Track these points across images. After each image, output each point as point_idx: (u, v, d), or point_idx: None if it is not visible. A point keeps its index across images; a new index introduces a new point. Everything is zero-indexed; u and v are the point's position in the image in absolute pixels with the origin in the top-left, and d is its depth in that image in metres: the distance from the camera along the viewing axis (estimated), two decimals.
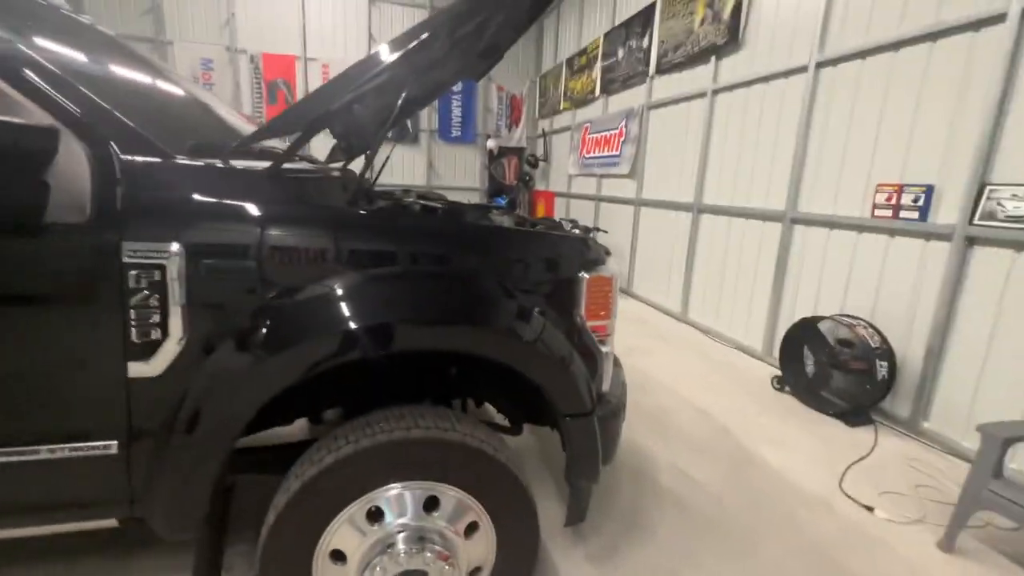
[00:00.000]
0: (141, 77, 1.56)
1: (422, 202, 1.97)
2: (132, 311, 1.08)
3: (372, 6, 9.59)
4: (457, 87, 10.16)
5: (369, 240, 1.25)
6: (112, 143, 1.08)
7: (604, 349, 1.52)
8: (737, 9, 4.42)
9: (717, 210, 4.81)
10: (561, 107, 8.97)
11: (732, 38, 4.51)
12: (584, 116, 8.02)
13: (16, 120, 0.93)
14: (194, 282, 1.10)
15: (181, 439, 1.14)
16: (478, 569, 1.39)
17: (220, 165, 1.23)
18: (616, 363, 1.74)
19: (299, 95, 9.40)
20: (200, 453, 1.15)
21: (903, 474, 2.57)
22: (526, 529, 1.39)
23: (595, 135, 7.49)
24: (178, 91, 1.74)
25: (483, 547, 1.36)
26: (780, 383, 3.59)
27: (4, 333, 1.04)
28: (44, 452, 1.10)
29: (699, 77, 5.08)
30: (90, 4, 7.97)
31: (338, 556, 1.25)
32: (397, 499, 1.26)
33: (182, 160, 1.16)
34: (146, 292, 1.08)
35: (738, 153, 4.54)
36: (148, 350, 1.11)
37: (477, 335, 1.28)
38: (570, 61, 8.49)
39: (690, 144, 5.23)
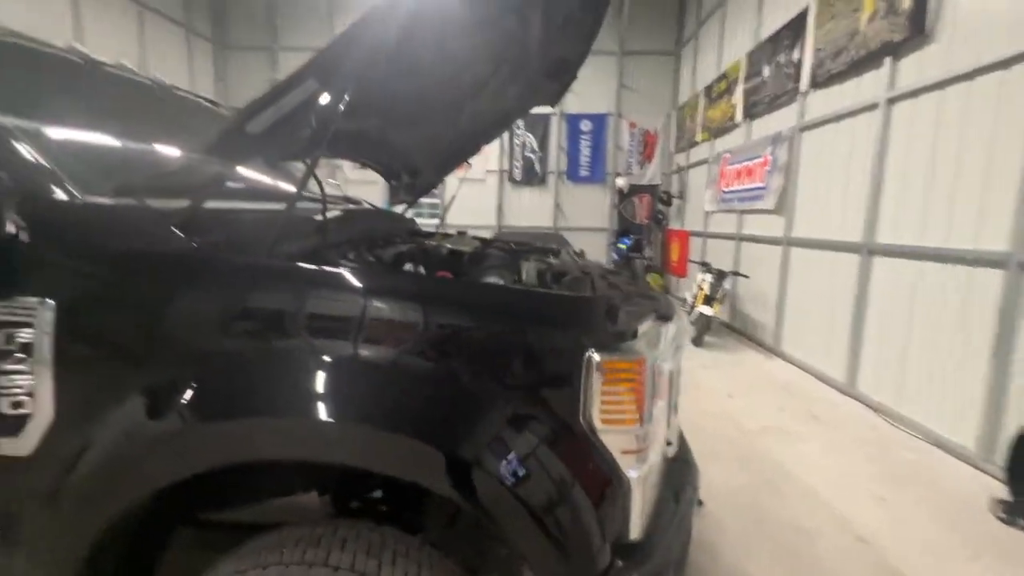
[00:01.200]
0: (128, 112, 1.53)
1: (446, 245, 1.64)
2: None
3: None
4: (587, 126, 9.99)
5: (266, 299, 0.93)
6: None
7: (632, 474, 0.97)
8: None
9: (898, 251, 3.63)
10: (698, 138, 8.14)
11: (915, 31, 3.46)
12: (723, 145, 7.11)
13: None
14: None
15: None
16: None
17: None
18: (677, 495, 1.14)
19: None
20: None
21: None
22: None
23: (735, 166, 6.54)
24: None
25: None
26: (1010, 511, 2.37)
27: None
28: None
29: (868, 86, 4.02)
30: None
31: None
32: None
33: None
34: None
35: (928, 175, 3.39)
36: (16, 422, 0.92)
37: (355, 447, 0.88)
38: (708, 89, 7.69)
39: (856, 169, 4.13)
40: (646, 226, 9.75)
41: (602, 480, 0.93)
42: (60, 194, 0.99)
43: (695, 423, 3.37)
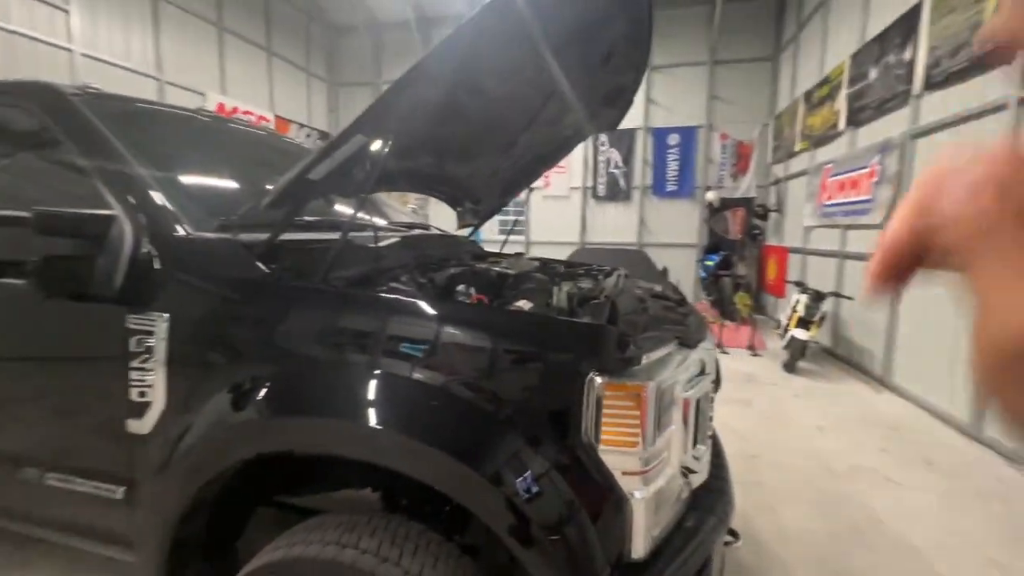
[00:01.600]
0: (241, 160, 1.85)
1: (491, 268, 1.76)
2: None
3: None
4: (674, 140, 9.72)
5: (316, 318, 1.12)
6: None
7: (637, 495, 1.00)
8: None
9: None
10: (797, 148, 7.56)
11: None
12: (825, 156, 6.55)
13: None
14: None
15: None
16: None
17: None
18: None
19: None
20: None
21: None
22: None
23: (838, 177, 5.99)
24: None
25: None
26: None
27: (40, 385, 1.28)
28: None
29: (994, 85, 3.53)
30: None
31: None
32: None
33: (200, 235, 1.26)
34: None
35: None
36: (140, 408, 1.20)
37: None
38: (808, 95, 7.15)
39: None
40: (739, 242, 9.18)
41: (601, 499, 0.98)
42: (180, 231, 1.27)
43: (774, 460, 3.15)
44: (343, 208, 1.96)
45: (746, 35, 9.17)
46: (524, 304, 1.32)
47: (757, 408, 4.09)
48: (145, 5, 7.06)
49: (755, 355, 5.83)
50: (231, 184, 1.74)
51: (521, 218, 10.78)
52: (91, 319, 1.24)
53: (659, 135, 9.82)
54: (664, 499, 1.08)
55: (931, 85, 4.22)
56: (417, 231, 2.08)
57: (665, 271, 7.38)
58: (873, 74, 5.23)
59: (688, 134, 9.66)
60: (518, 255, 2.40)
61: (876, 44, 5.17)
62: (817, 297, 5.27)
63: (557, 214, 10.55)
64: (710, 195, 9.54)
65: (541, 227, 10.70)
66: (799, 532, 2.40)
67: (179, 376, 1.17)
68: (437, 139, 1.68)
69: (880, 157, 4.94)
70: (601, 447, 0.99)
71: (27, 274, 1.15)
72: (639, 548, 1.01)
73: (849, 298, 5.31)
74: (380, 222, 2.01)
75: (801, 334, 5.11)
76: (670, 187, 9.90)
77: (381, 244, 1.53)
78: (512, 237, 10.82)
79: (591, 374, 0.98)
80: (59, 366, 1.35)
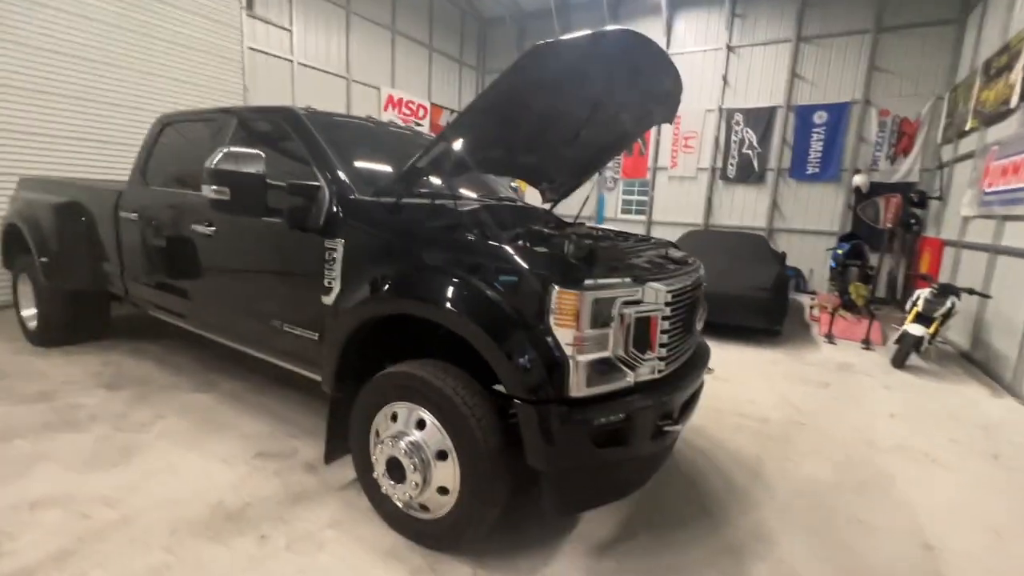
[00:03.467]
0: (394, 151, 2.84)
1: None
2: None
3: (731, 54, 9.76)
4: (821, 118, 9.02)
5: (414, 246, 2.01)
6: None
7: (583, 358, 1.69)
8: None
9: None
10: (968, 127, 6.61)
11: None
12: (995, 136, 5.73)
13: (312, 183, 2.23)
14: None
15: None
16: (445, 490, 1.87)
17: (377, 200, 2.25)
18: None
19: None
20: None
21: None
22: (484, 472, 1.78)
23: (1003, 160, 5.28)
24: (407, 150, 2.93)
25: (450, 473, 1.84)
26: None
27: (277, 276, 2.38)
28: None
29: None
30: None
31: (376, 433, 2.04)
32: (401, 412, 1.94)
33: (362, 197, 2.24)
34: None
35: None
36: (329, 290, 2.22)
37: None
38: (987, 64, 6.20)
39: None
40: (889, 232, 8.27)
41: (553, 358, 1.70)
42: (350, 194, 2.26)
43: (818, 428, 3.37)
44: (459, 187, 2.88)
45: None
46: (543, 248, 2.04)
47: (832, 391, 4.16)
48: (341, 19, 8.90)
49: (867, 349, 5.57)
50: (383, 167, 2.75)
51: (644, 199, 10.99)
52: (307, 242, 2.29)
53: (803, 113, 9.16)
54: (598, 370, 1.75)
55: None
56: (498, 201, 2.93)
57: (783, 256, 7.12)
58: None
59: (838, 111, 8.85)
60: (580, 223, 3.08)
61: None
62: (942, 292, 4.87)
63: (683, 194, 10.53)
64: (858, 179, 8.71)
65: (665, 207, 10.78)
66: (802, 478, 2.75)
67: (347, 273, 2.17)
68: (503, 138, 2.45)
69: None
70: (554, 326, 1.70)
71: (283, 215, 2.23)
72: (574, 390, 1.71)
73: (986, 296, 4.80)
74: (471, 194, 2.90)
75: (916, 329, 4.82)
76: (811, 170, 9.22)
77: (463, 208, 2.38)
78: (635, 216, 11.12)
79: (552, 284, 1.70)
80: (292, 266, 2.46)
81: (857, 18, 8.57)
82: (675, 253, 2.56)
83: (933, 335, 4.92)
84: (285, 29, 7.99)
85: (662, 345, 1.92)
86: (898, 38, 8.40)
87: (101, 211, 3.56)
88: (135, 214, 3.24)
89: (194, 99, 6.33)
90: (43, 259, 3.62)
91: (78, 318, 4.00)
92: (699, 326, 2.45)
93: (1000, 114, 5.62)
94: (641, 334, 1.85)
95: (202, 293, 2.96)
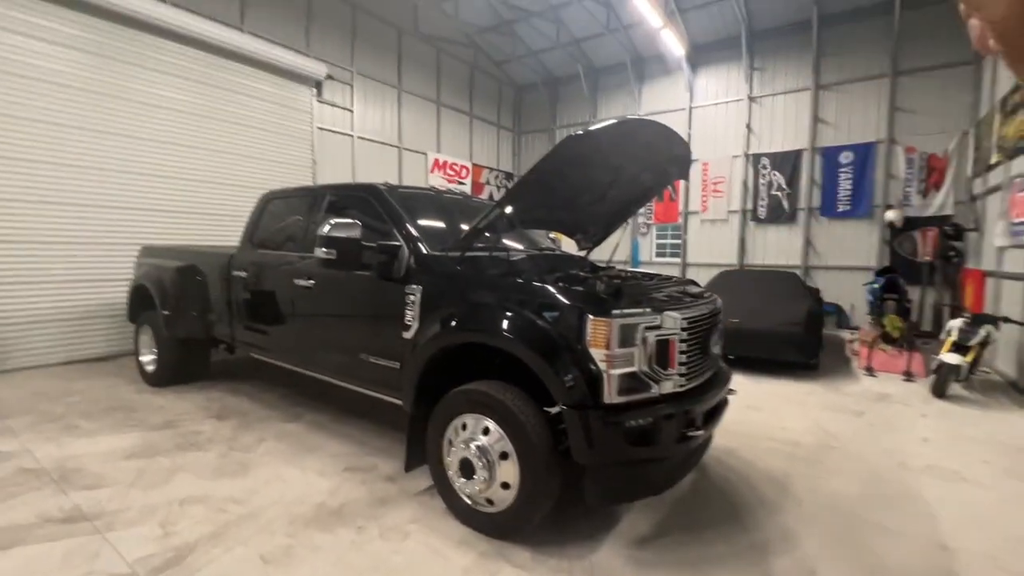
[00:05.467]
0: (450, 212, 3.47)
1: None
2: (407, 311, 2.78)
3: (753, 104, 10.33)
4: (847, 158, 9.32)
5: (465, 286, 2.55)
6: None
7: (614, 372, 2.14)
8: None
9: None
10: (993, 160, 6.78)
11: None
12: (1018, 168, 5.90)
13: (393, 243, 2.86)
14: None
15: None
16: (507, 485, 2.30)
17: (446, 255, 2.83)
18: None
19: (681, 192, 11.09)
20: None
21: None
22: (539, 469, 2.21)
23: None
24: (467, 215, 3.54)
25: (511, 470, 2.28)
26: None
27: (366, 318, 2.97)
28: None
29: None
30: None
31: (448, 440, 2.51)
32: (470, 422, 2.41)
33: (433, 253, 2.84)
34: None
35: None
36: (408, 327, 2.77)
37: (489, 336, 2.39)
38: (1003, 101, 6.46)
39: None
40: (926, 264, 8.28)
41: (591, 372, 2.15)
42: (423, 250, 2.86)
43: (849, 452, 3.56)
44: (506, 240, 3.46)
45: (937, 40, 8.40)
46: (579, 288, 2.54)
47: (867, 419, 4.31)
48: (393, 97, 10.12)
49: (909, 380, 5.61)
50: (446, 227, 3.38)
51: (678, 242, 11.38)
52: (391, 289, 2.88)
53: (829, 154, 9.49)
54: (627, 382, 2.18)
55: None
56: (540, 251, 3.49)
57: (816, 291, 7.30)
58: None
59: (864, 150, 9.14)
60: (611, 266, 3.58)
61: None
62: (974, 321, 4.97)
63: (715, 236, 10.85)
64: (890, 214, 8.84)
65: (699, 249, 11.10)
66: (830, 492, 2.98)
67: (423, 313, 2.72)
68: (543, 202, 3.03)
69: None
70: (590, 348, 2.17)
71: (372, 269, 2.85)
72: (608, 397, 2.15)
73: (1020, 323, 4.87)
74: (519, 247, 3.47)
75: (952, 358, 4.91)
76: (842, 207, 9.42)
77: (513, 258, 2.94)
78: (670, 259, 11.48)
79: (587, 314, 2.18)
80: (378, 309, 3.04)
81: (873, 64, 9.01)
82: (693, 289, 3.00)
83: (972, 364, 4.98)
84: (347, 110, 9.19)
85: (680, 363, 2.34)
86: (917, 80, 8.74)
87: (213, 271, 4.35)
88: (244, 272, 3.98)
89: (275, 175, 7.38)
90: (165, 312, 4.42)
91: (187, 362, 4.75)
92: (716, 350, 2.84)
93: (1020, 148, 5.82)
94: (662, 353, 2.29)
95: (300, 335, 3.60)
